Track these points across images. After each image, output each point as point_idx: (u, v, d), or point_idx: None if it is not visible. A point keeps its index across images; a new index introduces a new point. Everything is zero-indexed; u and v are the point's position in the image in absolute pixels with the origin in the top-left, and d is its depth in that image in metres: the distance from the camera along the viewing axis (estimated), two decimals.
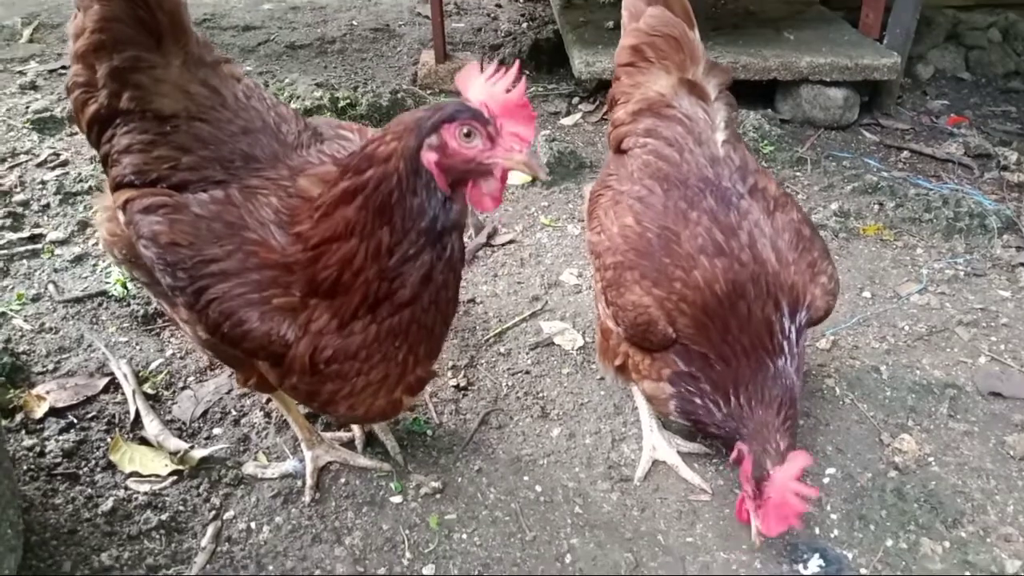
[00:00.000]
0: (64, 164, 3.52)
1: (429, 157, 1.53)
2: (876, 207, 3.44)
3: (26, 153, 3.60)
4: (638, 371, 2.00)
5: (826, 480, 2.16)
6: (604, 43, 4.30)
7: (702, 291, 1.83)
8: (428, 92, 4.43)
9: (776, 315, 1.81)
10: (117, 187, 1.84)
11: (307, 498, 2.07)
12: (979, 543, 1.99)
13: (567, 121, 4.24)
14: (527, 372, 2.54)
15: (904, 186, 3.62)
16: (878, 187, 3.58)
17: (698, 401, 1.86)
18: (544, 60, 4.89)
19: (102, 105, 1.82)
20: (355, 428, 2.25)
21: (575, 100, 4.45)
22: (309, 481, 2.10)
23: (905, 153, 4.04)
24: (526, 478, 2.16)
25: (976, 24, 5.37)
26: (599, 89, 4.44)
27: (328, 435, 2.23)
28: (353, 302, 1.63)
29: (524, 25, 5.59)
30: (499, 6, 6.11)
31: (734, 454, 1.88)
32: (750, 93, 4.24)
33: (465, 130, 1.50)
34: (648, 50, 2.11)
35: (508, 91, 1.50)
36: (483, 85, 1.52)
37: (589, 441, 2.28)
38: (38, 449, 2.15)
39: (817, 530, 2.02)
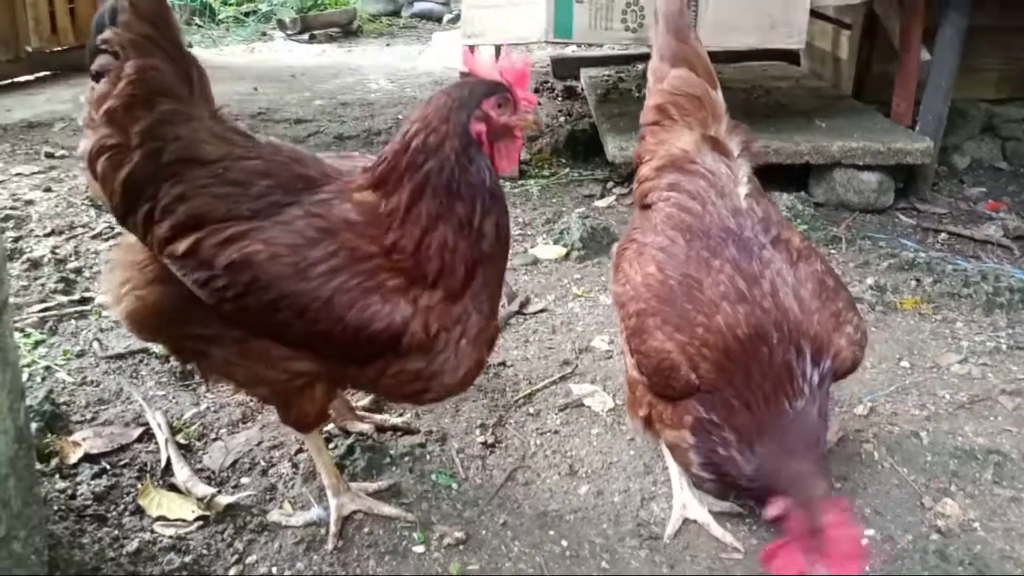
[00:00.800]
0: (118, 235, 3.69)
1: (478, 128, 1.82)
2: (913, 282, 3.42)
3: (83, 227, 3.79)
4: (661, 420, 1.98)
5: (864, 542, 2.07)
6: (636, 130, 4.41)
7: (724, 336, 1.82)
8: None
9: (797, 360, 1.78)
10: (169, 241, 1.83)
11: (330, 545, 2.04)
12: None
13: (601, 203, 4.33)
14: (556, 432, 2.52)
15: (942, 264, 3.60)
16: (915, 264, 3.56)
17: (722, 452, 1.81)
18: (580, 149, 5.05)
19: (138, 165, 1.83)
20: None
21: (609, 184, 4.57)
22: (333, 528, 2.08)
23: (943, 235, 4.04)
24: (552, 532, 2.11)
25: (1010, 116, 5.43)
26: (632, 175, 4.55)
27: (354, 485, 2.22)
28: (458, 277, 1.84)
29: (562, 119, 5.80)
30: (538, 104, 6.36)
31: (770, 511, 1.79)
32: (783, 177, 4.31)
33: (499, 101, 1.82)
34: (672, 108, 2.19)
35: (514, 66, 1.86)
36: (492, 64, 1.90)
37: (618, 499, 2.24)
38: (70, 492, 2.17)
39: None
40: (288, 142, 2.06)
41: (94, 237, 3.70)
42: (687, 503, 2.15)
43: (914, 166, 4.33)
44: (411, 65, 8.20)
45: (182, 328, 1.94)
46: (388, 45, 9.80)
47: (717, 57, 5.93)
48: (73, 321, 3.04)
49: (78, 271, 3.39)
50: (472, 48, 4.31)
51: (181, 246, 1.82)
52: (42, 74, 6.70)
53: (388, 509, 2.15)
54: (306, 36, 9.78)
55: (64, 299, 3.17)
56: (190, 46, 9.13)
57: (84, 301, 3.17)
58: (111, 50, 1.82)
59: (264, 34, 10.21)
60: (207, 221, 1.82)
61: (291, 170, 1.91)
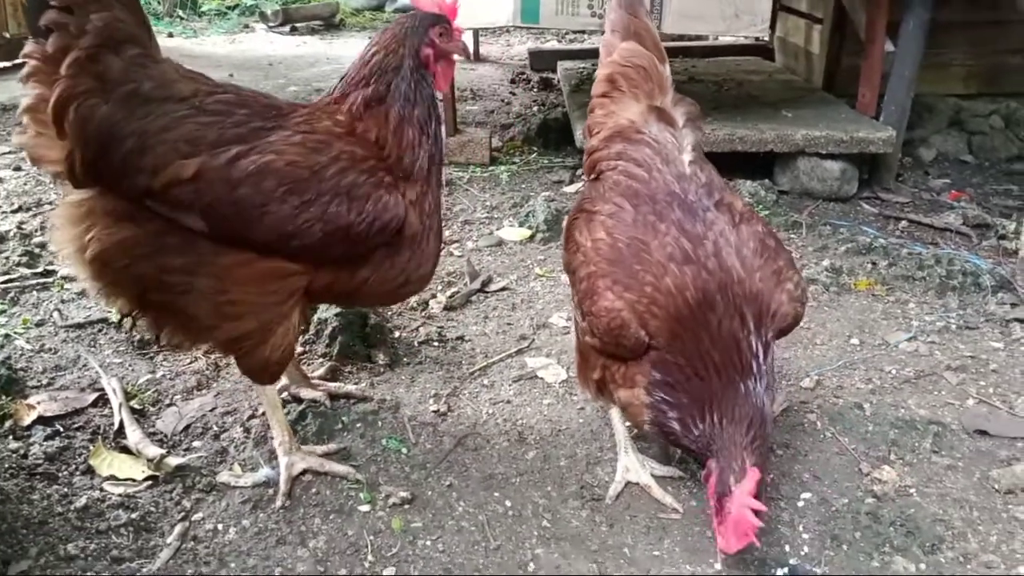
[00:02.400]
0: None
1: (426, 52, 2.11)
2: (869, 265, 3.48)
3: (50, 204, 3.81)
4: (615, 381, 2.02)
5: (800, 504, 2.13)
6: None
7: (673, 296, 1.87)
8: None
9: (743, 332, 1.83)
10: (157, 172, 1.88)
11: (279, 503, 2.08)
12: (958, 568, 1.93)
13: (569, 189, 4.37)
14: (508, 402, 2.56)
15: (899, 249, 3.67)
16: (872, 248, 3.63)
17: (673, 414, 1.86)
18: (552, 137, 5.09)
19: (115, 106, 1.88)
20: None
21: (578, 171, 4.61)
22: (283, 488, 2.11)
23: (903, 223, 4.10)
24: (496, 494, 2.15)
25: (978, 111, 5.50)
26: None
27: (305, 447, 2.25)
28: (424, 172, 2.11)
29: (535, 109, 5.85)
30: (513, 94, 6.42)
31: (704, 470, 1.87)
32: (749, 165, 4.37)
33: (441, 30, 2.13)
34: (620, 79, 2.24)
35: (450, 3, 2.18)
36: (431, 2, 2.18)
37: (564, 463, 2.28)
38: (22, 452, 2.20)
39: (788, 548, 1.98)
40: None
41: None
42: (630, 466, 2.20)
43: (878, 156, 4.40)
44: None
45: (157, 262, 1.94)
46: (370, 38, 9.80)
47: (692, 52, 6.01)
48: (35, 293, 3.06)
49: (42, 246, 3.40)
50: None
51: (187, 170, 1.88)
52: (20, 60, 6.70)
53: (337, 467, 2.19)
54: (287, 28, 9.80)
55: (27, 271, 3.19)
56: (171, 36, 9.14)
57: (47, 274, 3.19)
58: (64, 5, 1.84)
59: (246, 26, 10.22)
60: (200, 147, 1.91)
61: (261, 101, 2.06)
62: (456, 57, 2.23)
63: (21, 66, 1.93)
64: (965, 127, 5.46)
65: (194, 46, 8.52)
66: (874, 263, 3.49)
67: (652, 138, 2.15)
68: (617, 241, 2.00)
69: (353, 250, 2.02)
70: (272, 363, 2.11)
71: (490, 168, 4.66)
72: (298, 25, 9.91)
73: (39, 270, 3.20)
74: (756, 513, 1.72)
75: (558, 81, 6.39)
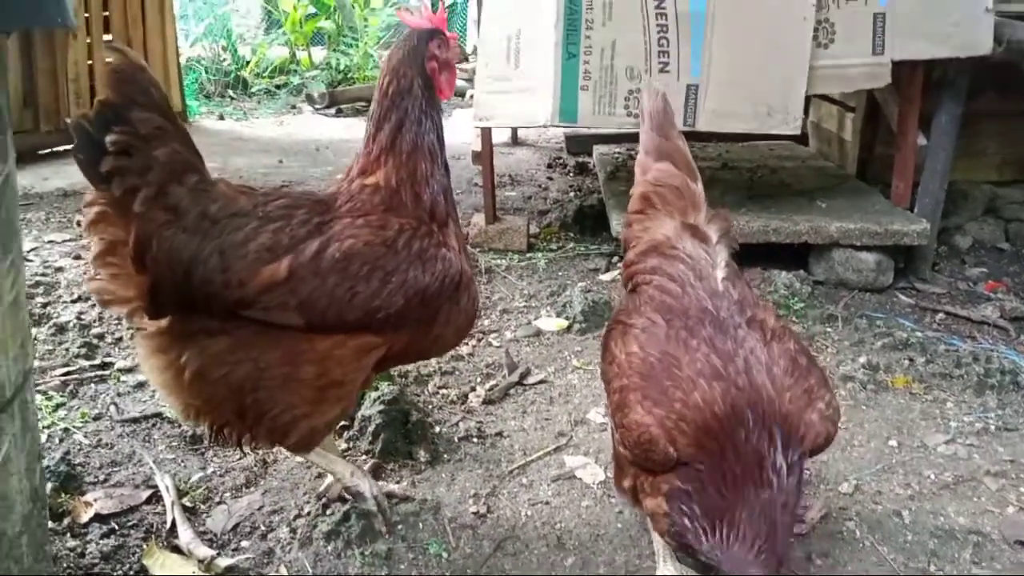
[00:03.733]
0: None
1: (431, 66, 2.31)
2: (906, 362, 3.49)
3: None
4: (643, 490, 2.06)
5: None
6: None
7: (701, 411, 1.91)
8: (478, 249, 4.75)
9: (769, 448, 1.86)
10: (244, 284, 2.03)
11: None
12: None
13: (605, 277, 4.46)
14: (547, 503, 2.60)
15: (936, 343, 3.68)
16: (909, 343, 3.64)
17: (688, 524, 1.88)
18: (588, 224, 5.21)
19: (191, 232, 2.03)
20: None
21: (614, 259, 4.70)
22: (373, 508, 2.38)
23: (940, 315, 4.11)
24: None
25: (1013, 198, 5.53)
26: None
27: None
28: (442, 207, 2.30)
29: (571, 195, 6.00)
30: (550, 179, 6.58)
31: None
32: (783, 256, 4.43)
33: (439, 43, 2.32)
34: (655, 198, 2.34)
35: (437, 15, 2.38)
36: (420, 17, 2.37)
37: (603, 571, 2.31)
38: (79, 550, 2.29)
39: None
40: None
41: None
42: (669, 574, 2.22)
43: (913, 247, 4.44)
44: None
45: (255, 362, 2.07)
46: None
47: (725, 137, 6.12)
48: (93, 385, 3.19)
49: (101, 336, 3.56)
50: (488, 129, 4.56)
51: (280, 273, 2.04)
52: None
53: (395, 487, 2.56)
54: (333, 110, 10.17)
55: (86, 363, 3.33)
56: (221, 118, 9.53)
57: (104, 366, 3.33)
58: (123, 149, 1.95)
59: (294, 107, 10.62)
60: (279, 251, 2.07)
61: (309, 198, 2.23)
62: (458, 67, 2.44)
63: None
64: (1001, 214, 5.49)
65: (244, 129, 8.89)
66: (911, 359, 3.50)
67: (686, 254, 2.23)
68: (649, 356, 2.06)
69: (428, 311, 2.21)
70: (320, 432, 2.26)
71: (528, 255, 4.78)
72: (343, 107, 10.28)
73: (97, 362, 3.34)
74: None
75: (593, 166, 6.56)
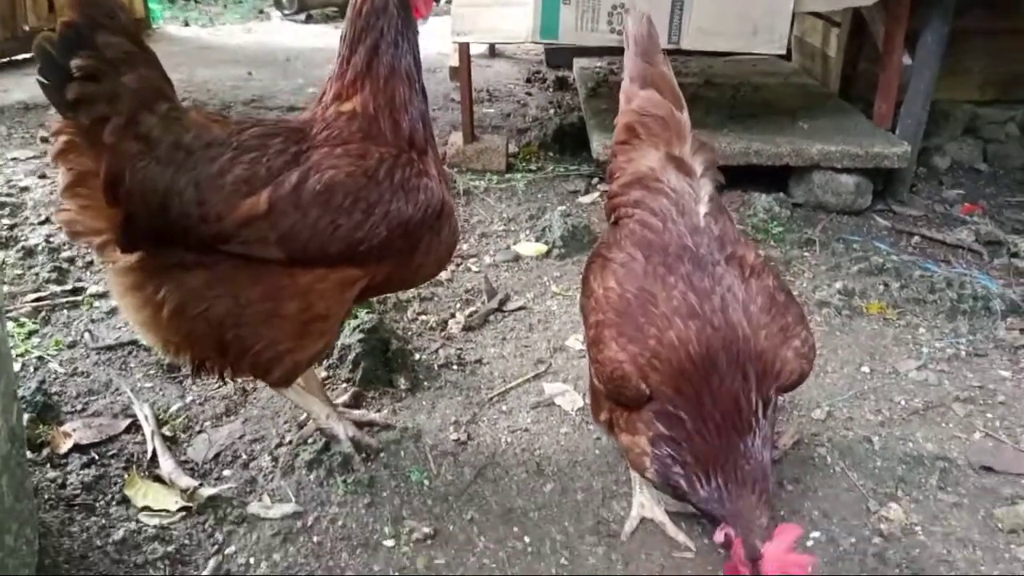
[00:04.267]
0: None
1: None
2: (881, 287, 3.52)
3: None
4: (618, 425, 2.09)
5: (809, 543, 2.20)
6: None
7: (675, 350, 1.92)
8: (455, 170, 4.67)
9: (744, 389, 1.87)
10: (222, 217, 1.97)
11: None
12: None
13: (585, 199, 4.42)
14: (526, 430, 2.64)
15: (911, 268, 3.71)
16: (884, 268, 3.67)
17: (679, 471, 1.91)
18: (568, 143, 5.13)
19: (165, 164, 1.96)
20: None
21: (594, 180, 4.65)
22: (348, 451, 2.39)
23: (916, 238, 4.13)
24: (516, 529, 2.23)
25: (994, 119, 5.50)
26: None
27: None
28: (421, 133, 2.22)
29: (551, 111, 5.88)
30: (529, 94, 6.44)
31: (720, 537, 1.88)
32: (764, 178, 4.40)
33: None
34: (639, 128, 2.28)
35: None
36: None
37: (580, 497, 2.36)
38: (60, 481, 2.29)
39: None
40: None
41: None
42: (645, 503, 2.27)
43: (893, 169, 4.42)
44: None
45: (236, 298, 2.04)
46: None
47: (709, 52, 5.99)
48: (65, 311, 3.14)
49: (71, 260, 3.49)
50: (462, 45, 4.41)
51: (260, 206, 1.98)
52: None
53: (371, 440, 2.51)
54: (303, 16, 9.81)
55: (57, 288, 3.27)
56: (186, 24, 9.16)
57: (76, 291, 3.27)
58: (89, 74, 1.86)
59: (261, 11, 10.24)
60: (256, 183, 2.00)
61: (283, 126, 2.16)
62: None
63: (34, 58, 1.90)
64: (980, 134, 5.46)
65: (210, 37, 8.56)
66: (886, 284, 3.54)
67: (670, 187, 2.20)
68: (626, 292, 2.05)
69: (410, 242, 2.17)
70: (304, 366, 2.25)
71: (507, 176, 4.71)
72: (313, 12, 9.91)
73: (68, 287, 3.29)
74: (801, 566, 1.75)
75: (573, 80, 6.41)
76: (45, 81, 1.89)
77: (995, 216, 4.46)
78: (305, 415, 2.56)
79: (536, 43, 4.28)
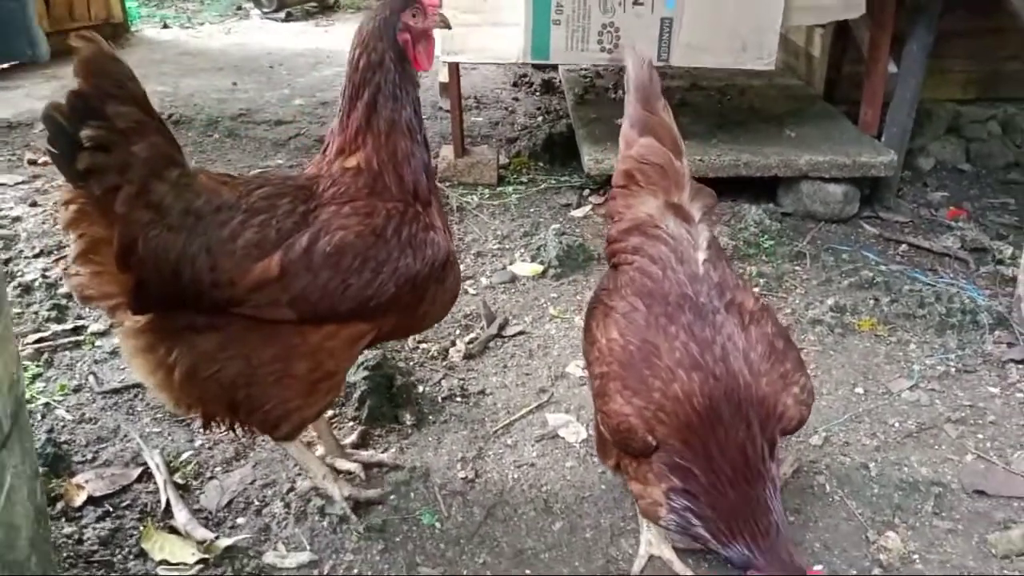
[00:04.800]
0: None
1: (404, 38, 2.20)
2: (872, 302, 3.59)
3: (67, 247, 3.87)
4: (628, 472, 2.15)
5: None
6: (612, 140, 4.53)
7: (680, 403, 1.97)
8: (447, 184, 4.69)
9: (749, 437, 1.93)
10: (234, 283, 2.01)
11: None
12: None
13: (577, 213, 4.46)
14: (532, 464, 2.69)
15: (900, 280, 3.78)
16: (874, 282, 3.74)
17: (699, 523, 1.96)
18: (557, 153, 5.16)
19: (177, 231, 1.99)
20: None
21: (585, 192, 4.69)
22: (341, 513, 2.41)
23: (903, 247, 4.21)
24: (528, 572, 2.29)
25: (976, 117, 5.58)
26: (608, 182, 4.68)
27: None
28: (424, 185, 2.25)
29: (540, 119, 5.89)
30: (516, 99, 6.45)
31: None
32: (753, 188, 4.46)
33: (413, 12, 2.20)
34: (638, 175, 2.32)
35: None
36: None
37: (589, 535, 2.42)
38: (76, 536, 2.32)
39: None
40: (269, 145, 2.28)
41: None
42: (653, 540, 2.34)
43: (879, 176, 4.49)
44: None
45: (248, 359, 2.07)
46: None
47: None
48: (67, 352, 3.15)
49: (69, 296, 3.48)
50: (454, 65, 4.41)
51: (272, 271, 2.01)
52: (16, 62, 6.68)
53: (369, 493, 2.51)
54: (282, 14, 9.72)
55: (58, 327, 3.28)
56: (166, 26, 9.04)
57: (77, 330, 3.28)
58: (100, 145, 1.87)
59: (239, 8, 10.12)
60: (267, 247, 2.03)
61: (290, 184, 2.18)
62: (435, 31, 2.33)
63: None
64: (963, 133, 5.55)
65: (190, 39, 8.47)
66: (876, 299, 3.61)
67: (669, 234, 2.24)
68: (629, 344, 2.10)
69: (417, 294, 2.22)
70: (310, 421, 2.29)
71: (498, 189, 4.74)
72: (292, 10, 9.82)
73: (69, 326, 3.29)
74: None
75: (560, 83, 6.42)
76: (54, 151, 1.90)
77: (979, 220, 4.55)
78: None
79: (527, 64, 4.30)
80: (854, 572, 2.28)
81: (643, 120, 2.35)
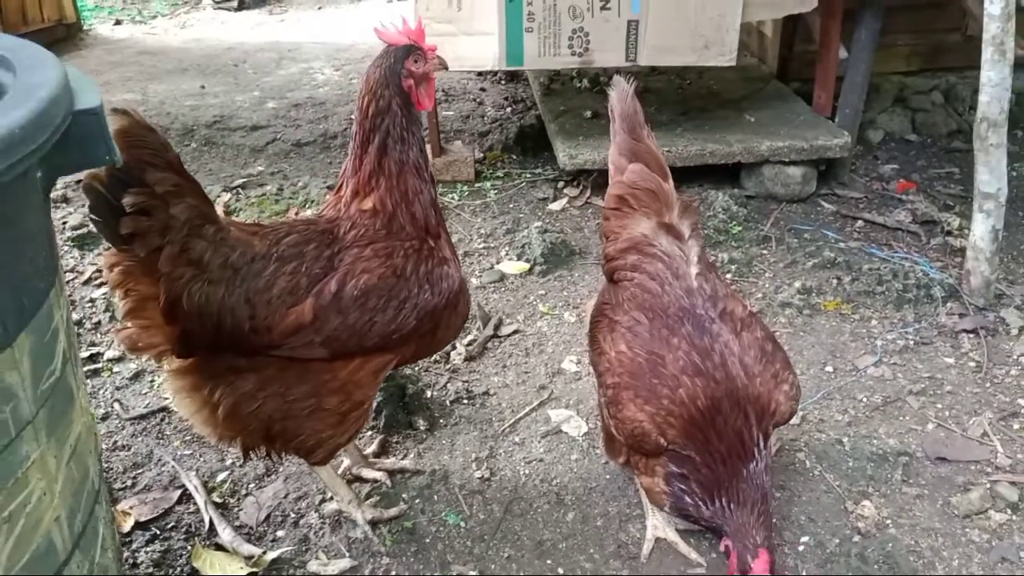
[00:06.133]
0: (101, 282, 3.89)
1: (408, 83, 2.38)
2: (835, 281, 3.89)
3: (70, 271, 3.98)
4: (637, 468, 2.41)
5: (801, 548, 2.56)
6: (584, 134, 4.77)
7: (687, 406, 2.23)
8: None
9: (746, 426, 2.21)
10: (272, 328, 2.19)
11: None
12: None
13: (555, 206, 4.68)
14: (540, 460, 2.93)
15: (859, 258, 4.08)
16: (835, 262, 4.03)
17: (688, 500, 2.25)
18: (529, 145, 5.35)
19: (216, 283, 2.14)
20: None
21: (560, 184, 4.90)
22: (362, 536, 2.60)
23: (859, 223, 4.51)
24: (549, 561, 2.54)
25: (920, 88, 5.90)
26: (582, 173, 4.90)
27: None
28: (433, 220, 2.43)
29: (508, 110, 6.06)
30: (483, 89, 6.59)
31: (722, 547, 2.26)
32: (717, 173, 4.71)
33: (415, 58, 2.38)
34: (631, 199, 2.54)
35: (414, 28, 2.44)
36: (398, 32, 2.42)
37: (600, 523, 2.68)
38: (131, 561, 2.51)
39: None
40: (247, 152, 2.44)
41: (85, 283, 3.90)
42: (657, 524, 2.60)
43: None
44: (349, 42, 8.24)
45: (284, 395, 2.28)
46: (320, 9, 9.72)
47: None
48: (88, 381, 3.29)
49: (79, 323, 3.61)
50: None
51: (306, 316, 2.21)
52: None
53: (391, 512, 2.70)
54: (235, 2, 9.63)
55: None
56: (119, 23, 8.91)
57: (93, 357, 3.42)
58: (141, 211, 2.01)
59: None
60: (300, 293, 2.23)
61: (313, 229, 2.36)
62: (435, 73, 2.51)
63: None
64: (909, 104, 5.86)
65: (147, 37, 8.39)
66: (839, 279, 3.90)
67: (663, 252, 2.47)
68: (637, 356, 2.34)
69: (434, 323, 2.40)
70: (343, 446, 2.50)
71: (476, 185, 4.92)
72: None
73: (84, 354, 3.42)
74: None
75: (524, 72, 6.56)
76: (98, 219, 2.05)
77: (927, 191, 4.87)
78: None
79: (502, 70, 4.45)
80: (837, 541, 2.57)
81: (631, 148, 2.57)
